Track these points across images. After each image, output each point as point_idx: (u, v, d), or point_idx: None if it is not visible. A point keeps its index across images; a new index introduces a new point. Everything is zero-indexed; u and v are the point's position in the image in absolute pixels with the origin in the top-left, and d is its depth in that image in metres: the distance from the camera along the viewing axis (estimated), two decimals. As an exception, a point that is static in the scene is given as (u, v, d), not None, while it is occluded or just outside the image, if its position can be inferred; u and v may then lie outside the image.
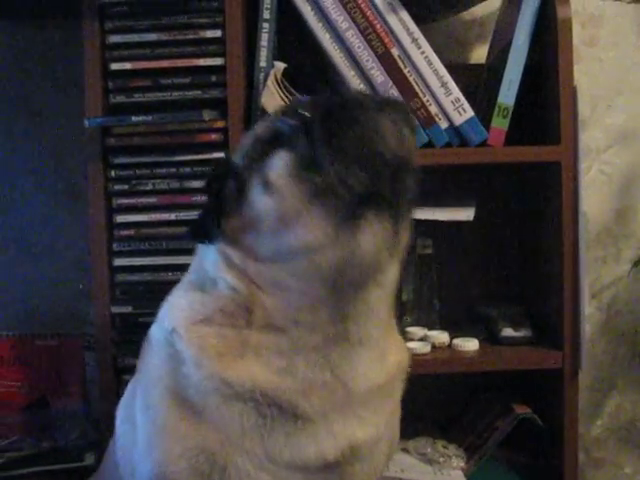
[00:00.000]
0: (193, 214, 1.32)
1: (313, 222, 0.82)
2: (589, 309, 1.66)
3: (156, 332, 0.93)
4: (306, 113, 0.86)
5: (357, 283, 0.85)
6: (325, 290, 0.84)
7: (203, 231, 0.90)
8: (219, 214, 0.89)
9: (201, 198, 1.31)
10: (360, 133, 0.82)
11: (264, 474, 0.85)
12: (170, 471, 0.84)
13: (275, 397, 0.84)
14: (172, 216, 1.32)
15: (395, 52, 1.31)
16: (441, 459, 1.39)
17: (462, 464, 1.39)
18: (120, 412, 0.99)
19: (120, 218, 1.34)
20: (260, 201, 0.85)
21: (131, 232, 1.34)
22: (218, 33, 1.31)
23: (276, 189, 0.84)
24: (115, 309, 1.33)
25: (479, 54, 1.65)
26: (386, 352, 0.92)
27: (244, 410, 0.84)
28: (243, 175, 0.88)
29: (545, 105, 1.40)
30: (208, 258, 0.91)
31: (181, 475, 0.84)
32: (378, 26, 1.31)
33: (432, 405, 1.62)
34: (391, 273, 0.89)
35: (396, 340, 0.98)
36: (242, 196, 0.88)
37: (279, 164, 0.84)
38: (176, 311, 0.91)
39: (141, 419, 0.90)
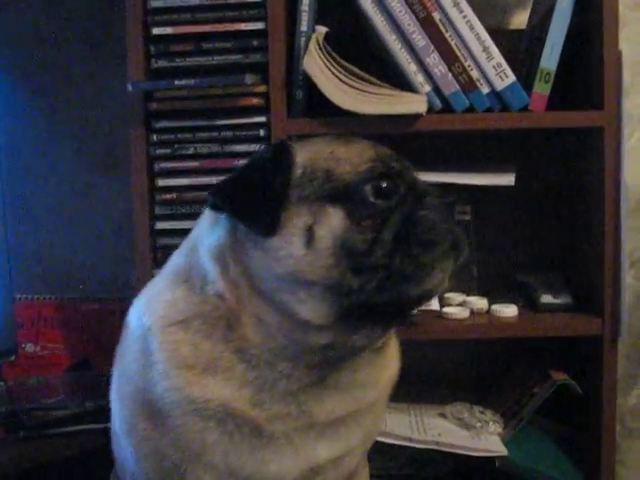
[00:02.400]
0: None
1: (322, 305, 0.79)
2: (628, 278, 1.65)
3: (133, 322, 0.90)
4: (388, 190, 0.81)
5: (342, 357, 0.84)
6: (308, 355, 0.83)
7: (259, 218, 0.80)
8: (279, 207, 0.80)
9: (242, 162, 1.32)
10: (417, 264, 0.79)
11: None
12: (142, 465, 0.87)
13: (241, 420, 0.83)
14: (213, 180, 1.33)
15: (437, 16, 1.30)
16: (478, 424, 1.40)
17: (499, 430, 1.39)
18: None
19: (162, 182, 1.35)
20: (295, 242, 0.79)
21: (173, 196, 1.35)
22: (259, -3, 1.31)
23: (316, 248, 0.78)
24: (157, 272, 1.35)
25: (520, 19, 1.63)
26: (373, 379, 0.90)
27: (206, 427, 0.83)
28: (293, 190, 0.81)
29: (588, 70, 1.38)
30: (205, 254, 0.86)
31: (150, 470, 0.87)
32: (420, -11, 1.30)
33: (470, 371, 1.62)
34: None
35: (388, 358, 0.94)
36: (279, 209, 0.80)
37: (335, 225, 0.79)
38: (157, 306, 0.88)
39: (116, 407, 0.92)
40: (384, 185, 0.80)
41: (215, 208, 0.84)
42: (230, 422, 0.83)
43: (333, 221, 0.79)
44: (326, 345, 0.82)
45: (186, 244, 0.92)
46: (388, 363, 0.94)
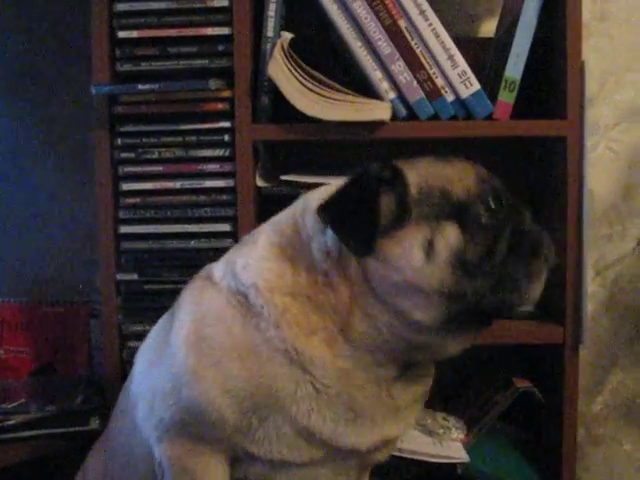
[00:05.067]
0: (197, 183, 1.33)
1: (436, 309, 0.87)
2: (593, 286, 1.66)
3: (223, 275, 0.95)
4: (497, 210, 0.90)
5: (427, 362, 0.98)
6: (404, 353, 0.92)
7: (357, 239, 0.88)
8: (375, 228, 0.87)
9: (206, 167, 1.32)
10: (521, 274, 0.90)
11: (300, 439, 0.90)
12: (215, 402, 0.88)
13: (336, 382, 0.89)
14: (177, 184, 1.33)
15: (402, 24, 1.31)
16: (441, 430, 1.40)
17: (462, 436, 1.40)
18: (145, 355, 1.02)
19: (126, 186, 1.35)
20: (414, 255, 0.86)
21: (137, 200, 1.35)
22: (225, 2, 1.31)
23: (435, 261, 0.86)
24: (120, 276, 1.35)
25: (488, 28, 1.64)
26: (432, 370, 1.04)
27: (303, 379, 0.89)
28: (414, 210, 0.88)
29: (552, 80, 1.39)
30: (318, 248, 0.91)
31: (223, 408, 0.89)
32: (386, -3, 1.31)
33: (433, 378, 1.62)
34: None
35: None
36: (398, 227, 0.87)
37: (452, 241, 0.87)
38: (260, 271, 0.92)
39: (189, 349, 0.91)
40: (493, 204, 0.90)
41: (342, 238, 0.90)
42: (322, 381, 0.89)
43: (450, 236, 0.87)
44: (425, 344, 0.91)
45: (286, 227, 0.96)
46: None
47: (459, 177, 0.92)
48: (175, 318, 0.96)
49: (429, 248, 0.86)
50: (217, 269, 0.97)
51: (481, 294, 0.87)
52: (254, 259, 0.94)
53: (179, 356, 0.92)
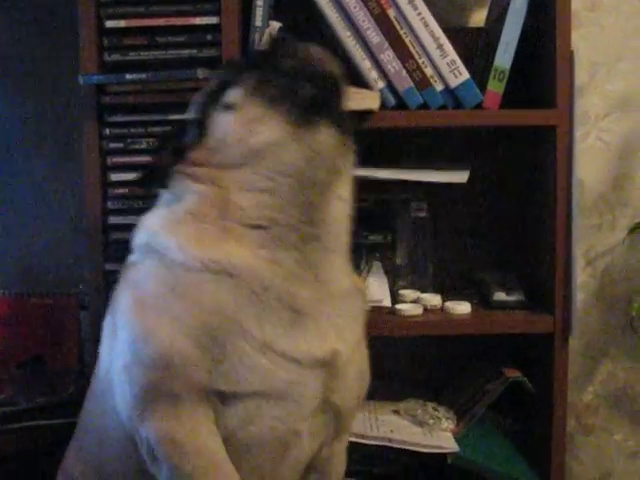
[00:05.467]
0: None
1: (274, 123, 0.93)
2: (583, 276, 1.67)
3: (136, 243, 0.99)
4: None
5: (320, 183, 0.94)
6: (292, 189, 0.93)
7: (157, 177, 0.99)
8: (177, 156, 0.98)
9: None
10: (300, 57, 0.99)
11: (262, 358, 0.89)
12: (175, 347, 0.87)
13: (268, 281, 0.90)
14: (166, 175, 1.32)
15: (391, 13, 1.31)
16: (431, 421, 1.40)
17: (452, 426, 1.40)
18: (105, 343, 1.02)
19: (114, 176, 1.34)
20: (223, 120, 0.96)
21: (125, 190, 1.34)
22: (214, -9, 1.30)
23: (237, 105, 0.95)
24: (109, 267, 1.34)
25: (478, 18, 1.64)
26: (348, 268, 1.01)
27: (235, 285, 0.89)
28: (202, 117, 0.99)
29: (542, 69, 1.39)
30: (172, 188, 0.98)
31: (187, 349, 0.87)
32: (375, -14, 1.30)
33: (423, 368, 1.63)
34: (347, 189, 0.99)
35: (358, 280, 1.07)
36: (203, 133, 0.97)
37: (235, 90, 0.97)
38: (150, 223, 0.98)
39: (133, 314, 0.92)
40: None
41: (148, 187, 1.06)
42: (257, 285, 0.89)
43: (232, 91, 0.98)
44: (300, 160, 0.93)
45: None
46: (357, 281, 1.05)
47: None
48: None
49: (227, 107, 0.97)
50: (132, 247, 1.03)
51: (288, 86, 0.94)
52: (142, 222, 1.01)
53: (128, 326, 0.92)
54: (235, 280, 0.89)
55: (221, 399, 0.90)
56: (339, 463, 1.10)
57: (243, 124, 0.94)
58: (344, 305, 0.97)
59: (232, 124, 0.95)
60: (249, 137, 0.93)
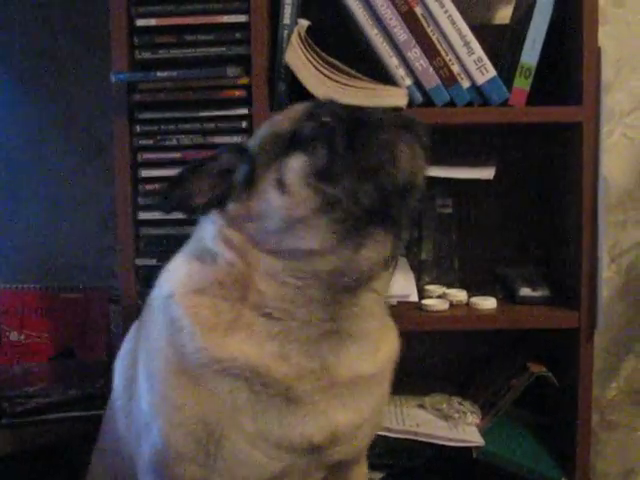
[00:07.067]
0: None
1: (320, 230, 0.85)
2: (608, 273, 1.67)
3: (156, 297, 0.96)
4: (329, 120, 0.89)
5: (351, 289, 0.89)
6: (320, 292, 0.88)
7: (186, 203, 0.92)
8: (226, 194, 0.91)
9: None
10: (377, 153, 0.86)
11: (256, 451, 0.89)
12: (172, 439, 0.88)
13: (269, 378, 0.87)
14: (196, 171, 1.34)
15: (418, 10, 1.31)
16: (456, 415, 1.41)
17: (477, 420, 1.41)
18: (121, 370, 1.03)
19: (145, 173, 1.36)
20: (272, 197, 0.87)
21: (155, 186, 1.36)
22: (242, -11, 1.31)
23: (290, 191, 0.86)
24: (139, 261, 1.36)
25: (504, 14, 1.64)
26: (379, 344, 0.96)
27: (235, 386, 0.87)
28: (257, 164, 0.90)
29: (568, 66, 1.39)
30: (208, 232, 0.94)
31: (182, 443, 0.88)
32: (402, -16, 1.31)
33: (449, 362, 1.65)
34: (385, 280, 0.93)
35: (389, 329, 1.01)
36: (252, 185, 0.90)
37: (296, 167, 0.87)
38: (175, 278, 0.94)
39: (145, 387, 0.93)
40: (325, 117, 0.90)
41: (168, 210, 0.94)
42: (257, 382, 0.87)
43: (293, 164, 0.87)
44: (334, 271, 0.87)
45: (195, 234, 0.99)
46: (388, 333, 1.00)
47: (286, 116, 0.94)
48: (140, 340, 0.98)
49: (280, 184, 0.87)
50: (154, 291, 0.98)
51: (351, 190, 0.85)
52: (170, 269, 0.97)
53: (142, 391, 0.93)
54: (237, 382, 0.87)
55: None
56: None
57: (287, 217, 0.86)
58: (356, 387, 0.93)
59: (278, 207, 0.87)
60: (288, 234, 0.87)
